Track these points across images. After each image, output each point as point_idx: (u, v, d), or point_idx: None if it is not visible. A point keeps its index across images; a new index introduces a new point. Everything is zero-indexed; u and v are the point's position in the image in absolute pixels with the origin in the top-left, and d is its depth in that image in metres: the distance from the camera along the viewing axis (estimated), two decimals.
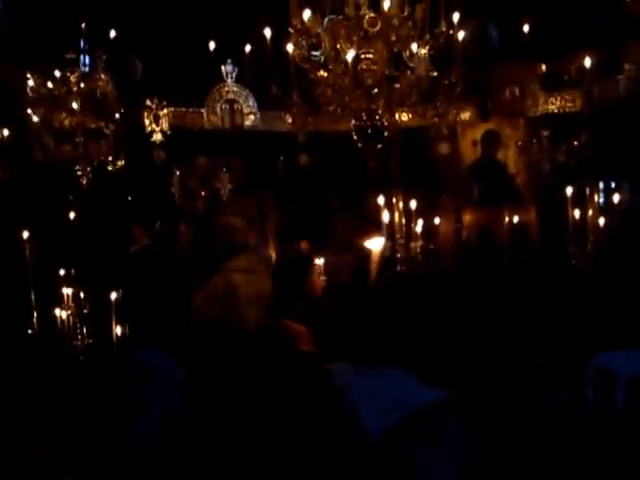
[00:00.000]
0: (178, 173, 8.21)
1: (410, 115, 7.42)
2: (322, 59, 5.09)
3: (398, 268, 5.08)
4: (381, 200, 5.06)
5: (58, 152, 7.39)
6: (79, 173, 7.36)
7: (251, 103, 8.82)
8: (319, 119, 6.14)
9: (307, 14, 4.93)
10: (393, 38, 4.97)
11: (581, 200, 5.36)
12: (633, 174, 7.31)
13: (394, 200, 5.57)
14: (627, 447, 3.26)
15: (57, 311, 4.62)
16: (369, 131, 5.19)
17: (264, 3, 6.56)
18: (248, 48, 6.28)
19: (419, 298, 2.64)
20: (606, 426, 3.39)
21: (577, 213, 5.19)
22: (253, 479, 3.14)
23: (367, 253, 4.56)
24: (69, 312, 4.61)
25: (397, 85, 5.11)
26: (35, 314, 4.70)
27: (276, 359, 3.45)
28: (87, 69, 7.62)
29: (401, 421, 2.34)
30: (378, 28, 4.94)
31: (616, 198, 6.04)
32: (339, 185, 8.13)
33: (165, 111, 8.59)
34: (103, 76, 7.61)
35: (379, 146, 5.39)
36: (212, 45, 7.88)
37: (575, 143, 8.07)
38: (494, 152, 8.50)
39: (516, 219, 6.40)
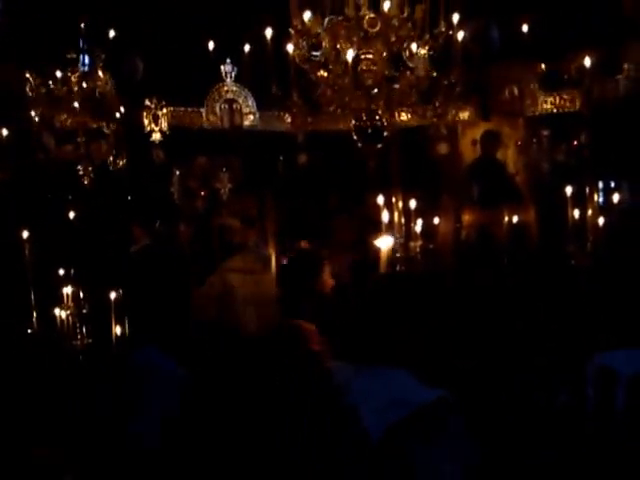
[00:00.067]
0: (178, 173, 8.22)
1: (409, 115, 7.43)
2: (322, 59, 5.09)
3: (397, 268, 5.08)
4: (380, 200, 5.06)
5: (59, 152, 7.40)
6: (81, 173, 7.37)
7: (250, 103, 8.83)
8: (319, 119, 6.14)
9: (307, 15, 4.94)
10: (393, 39, 4.97)
11: (580, 200, 5.36)
12: (632, 173, 7.31)
13: (393, 200, 5.57)
14: (627, 447, 3.26)
15: (57, 311, 4.62)
16: (369, 131, 5.19)
17: (264, 3, 6.56)
18: (247, 48, 6.29)
19: (418, 298, 2.64)
20: (606, 426, 3.38)
21: (576, 213, 5.19)
22: (253, 479, 3.14)
23: (376, 252, 4.54)
24: (69, 312, 4.61)
25: (397, 85, 5.11)
26: (35, 314, 4.69)
27: (289, 359, 3.45)
28: (87, 69, 7.63)
29: (401, 420, 2.34)
30: (378, 29, 4.94)
31: (616, 198, 6.03)
32: (339, 185, 8.14)
33: (164, 111, 8.61)
34: (102, 75, 7.62)
35: (379, 146, 5.39)
36: (211, 45, 7.89)
37: (575, 143, 8.09)
38: (494, 152, 8.51)
39: (515, 219, 6.40)
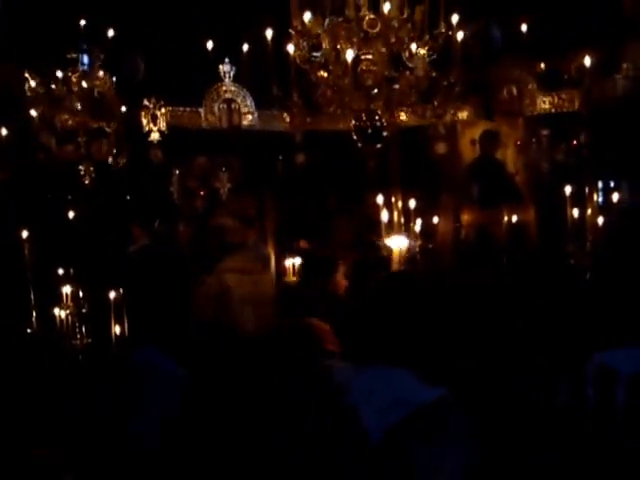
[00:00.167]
0: (177, 173, 8.22)
1: (409, 115, 7.43)
2: (322, 60, 5.10)
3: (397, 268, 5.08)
4: (380, 199, 5.06)
5: (61, 152, 7.40)
6: (82, 173, 7.37)
7: (249, 102, 8.82)
8: (318, 119, 6.15)
9: (308, 15, 4.95)
10: (393, 39, 4.98)
11: (580, 199, 5.36)
12: (632, 173, 7.32)
13: (393, 199, 5.57)
14: (627, 447, 3.26)
15: (56, 310, 4.61)
16: (369, 131, 5.20)
17: (263, 3, 6.57)
18: (246, 47, 6.30)
19: (418, 297, 2.64)
20: (606, 426, 3.38)
21: (576, 212, 5.19)
22: (253, 479, 3.14)
23: (388, 252, 4.53)
24: (68, 311, 4.61)
25: (396, 86, 5.12)
26: (34, 313, 4.69)
27: (296, 358, 3.44)
28: (86, 68, 7.63)
29: (401, 420, 2.34)
30: (378, 29, 4.96)
31: (615, 197, 6.04)
32: (338, 184, 8.14)
33: (162, 110, 8.59)
34: (102, 75, 7.62)
35: (378, 146, 5.40)
36: (210, 44, 7.88)
37: (574, 142, 8.09)
38: (493, 151, 8.51)
39: (515, 218, 6.41)
